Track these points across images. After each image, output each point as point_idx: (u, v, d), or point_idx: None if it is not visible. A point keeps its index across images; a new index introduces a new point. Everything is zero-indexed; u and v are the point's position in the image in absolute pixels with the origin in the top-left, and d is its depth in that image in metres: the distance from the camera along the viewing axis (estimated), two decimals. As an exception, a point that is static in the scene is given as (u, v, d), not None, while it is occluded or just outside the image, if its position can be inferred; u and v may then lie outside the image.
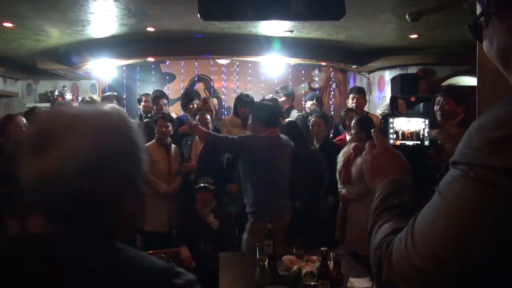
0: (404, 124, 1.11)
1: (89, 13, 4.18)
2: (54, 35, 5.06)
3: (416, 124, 1.11)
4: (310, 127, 4.53)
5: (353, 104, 5.01)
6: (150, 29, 4.88)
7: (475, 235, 0.61)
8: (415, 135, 1.10)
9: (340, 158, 3.95)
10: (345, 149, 3.97)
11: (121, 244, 0.76)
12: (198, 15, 3.01)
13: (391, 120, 1.12)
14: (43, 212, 0.76)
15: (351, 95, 5.19)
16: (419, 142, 1.10)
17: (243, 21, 4.48)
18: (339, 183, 3.92)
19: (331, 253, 2.37)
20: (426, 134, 1.09)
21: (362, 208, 3.67)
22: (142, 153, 0.82)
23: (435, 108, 3.61)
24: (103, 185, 0.74)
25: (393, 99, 4.66)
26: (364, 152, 1.02)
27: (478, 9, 0.75)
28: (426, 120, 1.11)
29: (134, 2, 3.88)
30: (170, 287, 0.72)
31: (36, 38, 5.20)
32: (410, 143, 1.10)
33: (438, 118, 3.59)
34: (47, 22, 4.52)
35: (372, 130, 1.03)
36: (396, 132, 1.11)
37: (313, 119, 4.58)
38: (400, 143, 1.10)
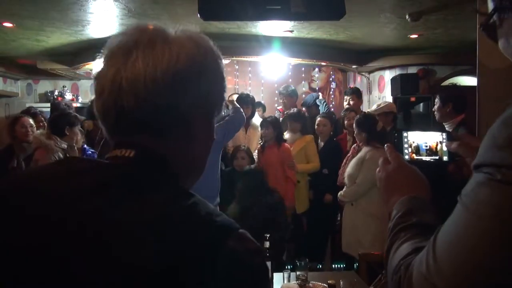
0: (420, 137, 1.03)
1: (89, 13, 4.18)
2: (54, 35, 5.06)
3: (432, 137, 1.02)
4: (316, 127, 4.65)
5: (347, 106, 5.20)
6: (150, 29, 4.87)
7: (509, 250, 0.53)
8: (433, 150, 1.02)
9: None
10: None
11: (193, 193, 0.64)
12: (198, 15, 3.00)
13: (405, 134, 1.03)
14: (112, 124, 0.69)
15: (345, 97, 5.46)
16: (437, 157, 1.01)
17: (243, 21, 4.47)
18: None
19: (340, 281, 2.22)
20: (444, 148, 1.00)
21: (354, 211, 3.74)
22: (224, 82, 0.75)
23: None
24: (179, 101, 0.66)
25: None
26: (378, 169, 0.94)
27: (490, 8, 0.70)
28: (443, 133, 1.02)
29: (134, 2, 3.88)
30: (218, 248, 0.57)
31: (36, 38, 5.20)
32: (427, 158, 1.01)
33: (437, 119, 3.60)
34: (47, 22, 4.52)
35: (385, 145, 0.96)
36: (411, 146, 1.03)
37: (319, 118, 4.71)
38: (416, 158, 1.02)
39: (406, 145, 1.03)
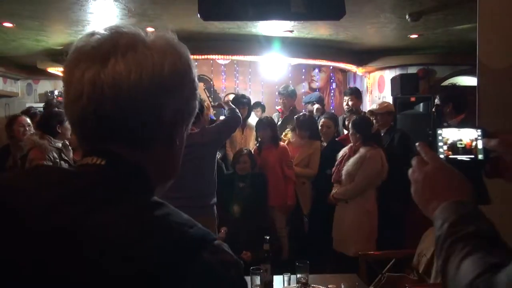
0: (454, 135, 0.95)
1: (89, 13, 4.18)
2: (54, 35, 5.06)
3: (467, 134, 0.95)
4: (320, 128, 4.63)
5: (346, 106, 5.17)
6: (150, 29, 4.87)
7: None
8: (467, 148, 0.94)
9: (339, 157, 4.00)
10: (344, 149, 4.02)
11: (161, 200, 0.63)
12: (198, 15, 3.00)
13: (439, 131, 0.96)
14: (85, 130, 0.66)
15: (345, 97, 5.38)
16: (472, 156, 0.93)
17: (243, 21, 4.48)
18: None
19: (341, 285, 2.20)
20: (479, 146, 0.93)
21: (349, 208, 3.76)
22: (198, 90, 0.74)
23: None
24: (162, 108, 0.66)
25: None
26: (412, 170, 0.86)
27: None
28: (479, 129, 0.94)
29: (134, 2, 3.88)
30: (192, 259, 0.55)
31: (36, 38, 5.20)
32: (463, 157, 0.94)
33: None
34: (47, 22, 4.52)
35: (417, 144, 0.89)
36: (445, 143, 0.96)
37: (323, 119, 4.69)
38: (451, 157, 0.94)
39: (441, 143, 0.95)
